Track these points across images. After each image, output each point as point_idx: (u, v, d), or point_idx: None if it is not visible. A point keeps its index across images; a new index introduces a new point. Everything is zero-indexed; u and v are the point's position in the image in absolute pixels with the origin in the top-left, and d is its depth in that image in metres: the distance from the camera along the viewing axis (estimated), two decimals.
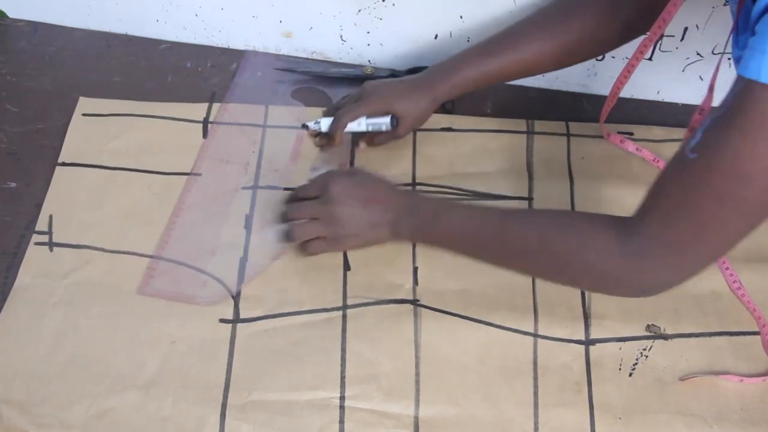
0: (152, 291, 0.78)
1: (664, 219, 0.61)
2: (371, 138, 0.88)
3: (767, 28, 0.51)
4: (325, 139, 0.88)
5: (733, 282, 0.81)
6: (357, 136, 0.90)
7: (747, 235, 0.60)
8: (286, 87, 0.97)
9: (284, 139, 0.92)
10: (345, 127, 0.84)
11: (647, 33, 0.79)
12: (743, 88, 0.53)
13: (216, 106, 0.94)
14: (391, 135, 0.86)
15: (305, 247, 0.79)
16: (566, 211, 0.70)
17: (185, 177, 0.87)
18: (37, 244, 0.81)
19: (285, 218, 0.80)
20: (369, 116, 0.84)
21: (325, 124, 0.86)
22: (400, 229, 0.76)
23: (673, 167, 0.61)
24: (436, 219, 0.74)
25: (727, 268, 0.81)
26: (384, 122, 0.85)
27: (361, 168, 0.83)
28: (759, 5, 0.53)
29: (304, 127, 0.88)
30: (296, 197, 0.81)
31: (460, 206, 0.76)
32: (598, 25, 0.80)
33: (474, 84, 0.84)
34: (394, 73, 0.98)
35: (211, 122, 0.92)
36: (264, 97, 0.95)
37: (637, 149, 0.90)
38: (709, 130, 0.57)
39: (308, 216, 0.78)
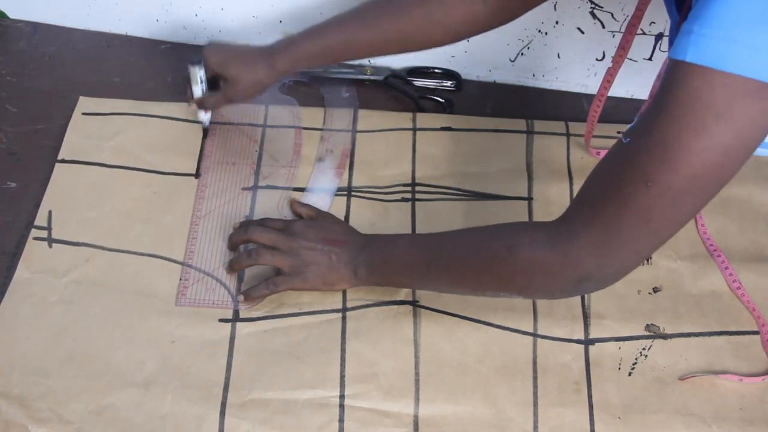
0: (189, 301, 0.78)
1: (595, 204, 0.60)
2: (202, 100, 0.87)
3: (696, 12, 0.50)
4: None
5: (733, 282, 0.81)
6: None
7: (678, 228, 0.58)
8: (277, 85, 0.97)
9: (285, 138, 0.92)
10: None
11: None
12: (671, 69, 0.52)
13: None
14: (223, 98, 0.86)
15: (267, 285, 0.77)
16: (504, 223, 0.70)
17: (186, 177, 0.87)
18: (36, 239, 0.82)
19: (240, 239, 0.80)
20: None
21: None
22: (358, 266, 0.76)
23: (609, 154, 0.60)
24: (387, 247, 0.76)
25: (726, 268, 0.82)
26: (199, 76, 0.85)
27: (325, 213, 0.84)
28: None
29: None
30: (254, 224, 0.81)
31: (406, 235, 0.82)
32: (454, 7, 0.78)
33: (319, 57, 0.83)
34: (393, 73, 0.98)
35: (212, 122, 0.92)
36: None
37: None
38: (642, 113, 0.56)
39: (269, 242, 0.78)
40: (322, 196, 0.87)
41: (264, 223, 0.81)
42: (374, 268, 0.76)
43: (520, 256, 0.64)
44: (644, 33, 0.90)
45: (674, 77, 0.52)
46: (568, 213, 0.64)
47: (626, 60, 0.88)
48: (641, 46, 0.92)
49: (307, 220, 0.82)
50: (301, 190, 0.87)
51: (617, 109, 0.90)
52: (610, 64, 0.81)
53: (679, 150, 0.53)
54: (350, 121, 0.94)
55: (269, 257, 0.77)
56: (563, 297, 0.69)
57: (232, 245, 0.81)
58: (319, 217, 0.83)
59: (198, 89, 0.86)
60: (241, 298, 0.77)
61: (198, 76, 0.85)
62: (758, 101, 0.50)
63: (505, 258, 0.65)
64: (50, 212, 0.83)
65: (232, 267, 0.80)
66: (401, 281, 0.77)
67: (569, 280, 0.63)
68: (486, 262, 0.67)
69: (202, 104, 0.87)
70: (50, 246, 0.81)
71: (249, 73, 0.83)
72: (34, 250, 0.81)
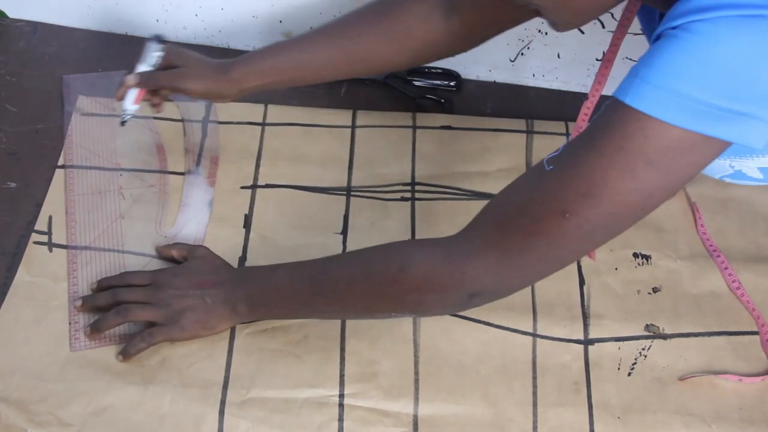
0: (84, 345, 0.74)
1: (504, 226, 0.59)
2: (147, 75, 0.79)
3: (646, 57, 0.51)
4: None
5: (732, 282, 0.81)
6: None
7: (581, 256, 0.59)
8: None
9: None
10: (133, 82, 0.79)
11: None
12: (609, 106, 0.53)
13: (215, 105, 0.94)
14: (168, 80, 0.79)
15: (142, 337, 0.72)
16: (393, 242, 0.68)
17: (181, 177, 0.88)
18: (36, 243, 0.81)
19: (104, 303, 0.75)
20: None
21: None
22: (236, 302, 0.73)
23: (527, 177, 0.60)
24: (265, 278, 0.73)
25: (726, 268, 0.81)
26: (155, 55, 0.79)
27: (197, 249, 0.79)
28: (653, 38, 0.53)
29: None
30: (119, 284, 0.76)
31: (286, 264, 0.74)
32: (422, 28, 0.77)
33: (273, 75, 0.79)
34: (393, 73, 0.98)
35: (211, 121, 0.92)
36: None
37: None
38: (571, 143, 0.56)
39: (138, 299, 0.74)
40: (199, 211, 0.85)
41: (127, 280, 0.76)
42: (254, 301, 0.73)
43: (411, 274, 0.63)
44: (642, 33, 0.90)
45: (612, 116, 0.52)
46: (468, 230, 0.63)
47: (624, 60, 0.88)
48: (639, 45, 0.92)
49: (173, 268, 0.77)
50: (300, 188, 0.87)
51: None
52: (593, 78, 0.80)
53: (603, 188, 0.53)
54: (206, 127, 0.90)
55: (140, 312, 0.73)
56: (453, 312, 0.67)
57: (95, 308, 0.75)
58: (191, 256, 0.78)
59: (144, 67, 0.79)
60: (120, 357, 0.73)
61: (155, 55, 0.79)
62: (689, 153, 0.51)
63: (396, 277, 0.64)
64: (50, 218, 0.83)
65: (98, 328, 0.73)
66: (285, 312, 0.75)
67: (462, 296, 0.63)
68: (376, 282, 0.66)
69: (145, 81, 0.79)
70: (50, 251, 0.81)
71: (204, 68, 0.79)
72: (34, 254, 0.81)
